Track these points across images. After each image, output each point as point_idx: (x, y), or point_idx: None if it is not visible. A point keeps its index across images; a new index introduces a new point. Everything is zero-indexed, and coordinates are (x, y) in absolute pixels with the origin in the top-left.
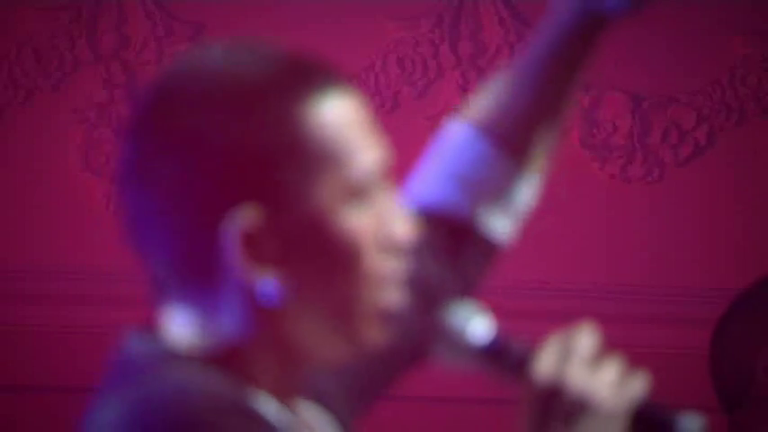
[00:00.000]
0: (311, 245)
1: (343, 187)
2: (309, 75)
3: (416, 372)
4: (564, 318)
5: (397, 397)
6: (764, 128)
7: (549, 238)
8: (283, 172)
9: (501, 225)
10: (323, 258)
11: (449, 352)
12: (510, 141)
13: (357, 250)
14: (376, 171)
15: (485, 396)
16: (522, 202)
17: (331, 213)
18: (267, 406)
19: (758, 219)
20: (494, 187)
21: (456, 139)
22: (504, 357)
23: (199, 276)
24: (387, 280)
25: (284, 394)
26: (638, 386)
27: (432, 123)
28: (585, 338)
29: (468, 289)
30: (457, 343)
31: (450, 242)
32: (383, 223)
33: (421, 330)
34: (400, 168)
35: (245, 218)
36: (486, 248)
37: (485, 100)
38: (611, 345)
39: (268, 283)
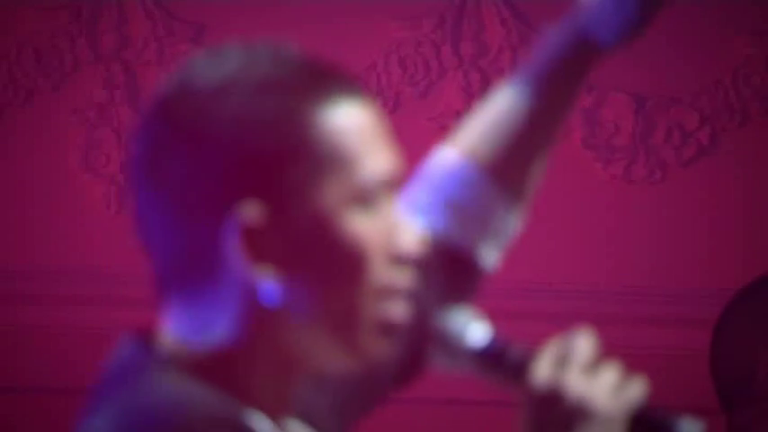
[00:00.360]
0: (314, 246)
1: (350, 192)
2: (324, 79)
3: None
4: (565, 319)
5: (396, 399)
6: None
7: (550, 238)
8: (290, 171)
9: (491, 254)
10: (326, 261)
11: (447, 357)
12: (502, 173)
13: (362, 256)
14: (384, 180)
15: (484, 398)
16: (511, 231)
17: (336, 216)
18: (260, 423)
19: (761, 219)
20: (486, 217)
21: (449, 167)
22: (503, 362)
23: (200, 273)
24: (393, 292)
25: (276, 410)
26: (636, 391)
27: (433, 124)
28: (584, 343)
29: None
30: (455, 347)
31: (443, 270)
32: (391, 234)
33: (409, 349)
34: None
35: (247, 214)
36: (475, 277)
37: (476, 129)
38: (613, 346)
39: (268, 281)
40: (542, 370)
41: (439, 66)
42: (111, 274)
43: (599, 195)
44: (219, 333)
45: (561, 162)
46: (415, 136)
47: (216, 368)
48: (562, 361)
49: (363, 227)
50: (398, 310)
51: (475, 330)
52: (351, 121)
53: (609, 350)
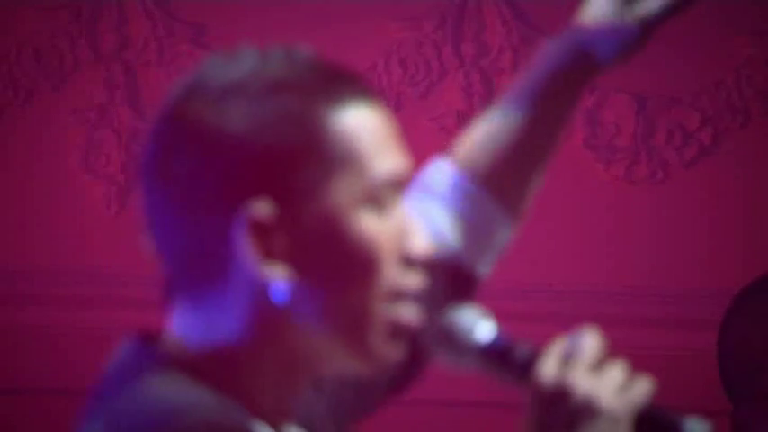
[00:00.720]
0: (325, 246)
1: (360, 192)
2: (335, 80)
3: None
4: (567, 320)
5: (395, 400)
6: None
7: (552, 239)
8: (300, 171)
9: (486, 265)
10: (336, 261)
11: (454, 353)
12: (500, 187)
13: (372, 257)
14: (394, 180)
15: (484, 399)
16: (506, 243)
17: (346, 216)
18: (260, 430)
19: (763, 219)
20: (484, 229)
21: (449, 179)
22: (509, 359)
23: (209, 272)
24: (403, 294)
25: (276, 415)
26: (642, 389)
27: (434, 124)
28: (590, 341)
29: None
30: (462, 344)
31: (441, 278)
32: (402, 236)
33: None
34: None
35: (257, 213)
36: (471, 285)
37: (474, 142)
38: (616, 347)
39: (277, 281)
40: (548, 368)
41: (440, 66)
42: (110, 274)
43: (600, 196)
44: (226, 333)
45: (563, 163)
46: (416, 136)
47: (219, 371)
48: (568, 359)
49: (374, 227)
50: (409, 313)
51: (482, 327)
52: (361, 123)
53: (611, 351)
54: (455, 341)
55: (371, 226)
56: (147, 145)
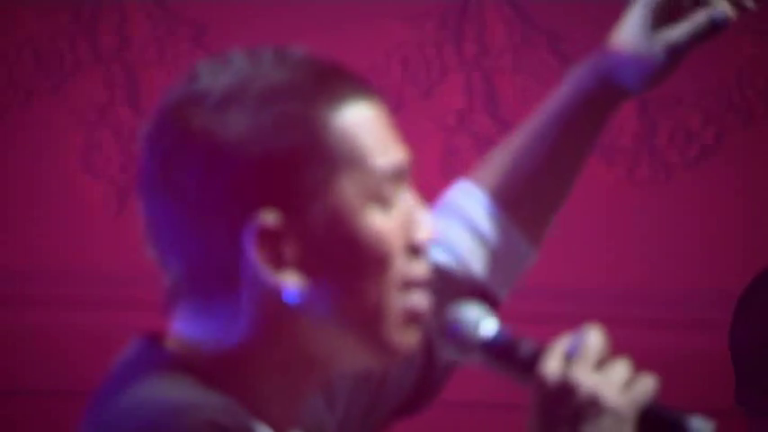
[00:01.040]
0: (335, 246)
1: (365, 189)
2: (331, 79)
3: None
4: (568, 320)
5: None
6: None
7: (554, 240)
8: (303, 173)
9: (504, 289)
10: (348, 260)
11: (459, 348)
12: (522, 214)
13: (383, 252)
14: (396, 175)
15: (487, 400)
16: (525, 269)
17: (354, 214)
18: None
19: (765, 220)
20: (505, 254)
21: (472, 202)
22: (513, 355)
23: (218, 281)
24: (414, 283)
25: (282, 421)
26: (646, 387)
27: (436, 124)
28: (594, 338)
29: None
30: (468, 338)
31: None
32: (407, 227)
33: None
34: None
35: (264, 220)
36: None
37: (498, 168)
38: (617, 347)
39: (290, 286)
40: (552, 364)
41: (441, 66)
42: (110, 274)
43: (602, 196)
44: (234, 338)
45: None
46: (417, 136)
47: (225, 374)
48: (572, 356)
49: (381, 223)
50: (421, 300)
51: (487, 323)
52: (360, 119)
53: (612, 350)
54: (461, 336)
55: (378, 222)
56: (146, 158)
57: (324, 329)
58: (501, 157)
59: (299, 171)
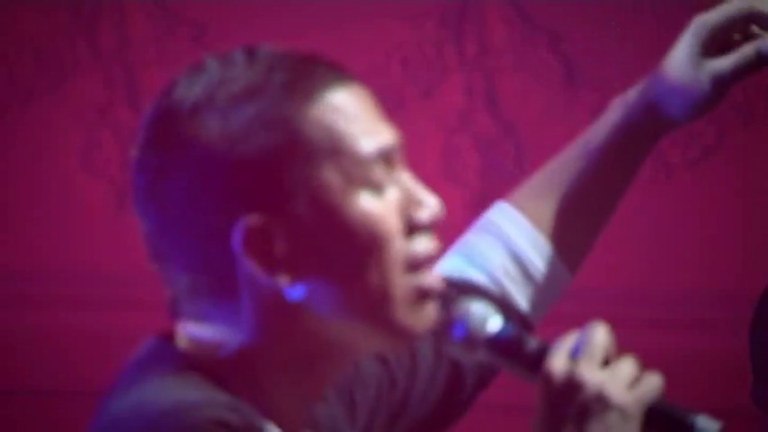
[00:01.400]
0: (327, 237)
1: (349, 176)
2: (304, 71)
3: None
4: (569, 320)
5: None
6: None
7: None
8: (285, 171)
9: (537, 312)
10: (341, 249)
11: (466, 344)
12: (559, 236)
13: (376, 236)
14: (382, 154)
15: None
16: (559, 294)
17: (340, 203)
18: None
19: (766, 220)
20: (541, 277)
21: (511, 224)
22: (520, 352)
23: (219, 289)
24: (420, 262)
25: (292, 422)
26: (653, 385)
27: (436, 124)
28: (601, 336)
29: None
30: (476, 334)
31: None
32: (405, 206)
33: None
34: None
35: (249, 223)
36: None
37: (537, 189)
38: (617, 348)
39: (286, 285)
40: (559, 361)
41: (441, 66)
42: (110, 274)
43: None
44: (241, 340)
45: None
46: (417, 136)
47: (235, 374)
48: (578, 353)
49: (372, 206)
50: (429, 278)
51: (494, 320)
52: (337, 106)
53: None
54: (468, 332)
55: (369, 205)
56: (134, 175)
57: (332, 322)
58: (542, 182)
59: (279, 169)
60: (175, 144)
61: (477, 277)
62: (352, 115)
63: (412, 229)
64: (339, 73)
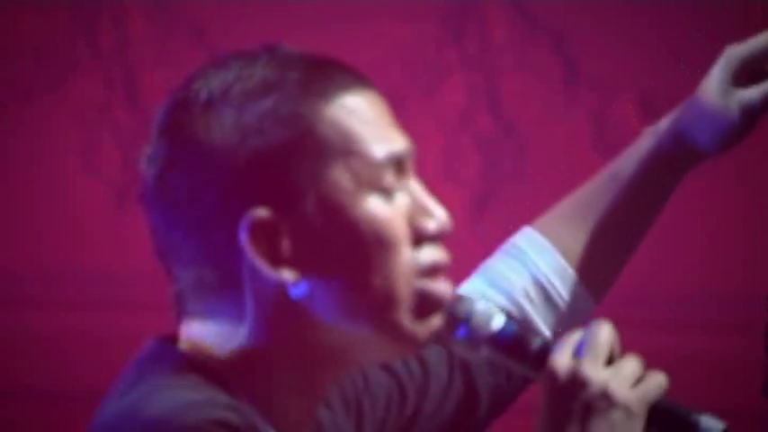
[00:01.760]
0: (333, 238)
1: (360, 178)
2: (322, 72)
3: None
4: None
5: None
6: None
7: None
8: (295, 168)
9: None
10: (348, 250)
11: (470, 341)
12: (584, 265)
13: (384, 240)
14: (395, 163)
15: None
16: (581, 322)
17: (349, 204)
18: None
19: (767, 220)
20: (564, 306)
21: (537, 250)
22: (524, 348)
23: (224, 286)
24: (428, 271)
25: (295, 425)
26: (657, 383)
27: (437, 124)
28: (604, 334)
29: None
30: (480, 331)
31: None
32: (413, 215)
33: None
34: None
35: (256, 218)
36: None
37: (564, 217)
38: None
39: (291, 282)
40: (563, 359)
41: (442, 66)
42: (109, 275)
43: None
44: (245, 340)
45: (569, 164)
46: (418, 135)
47: (236, 375)
48: (582, 351)
49: (381, 211)
50: (435, 287)
51: (498, 318)
52: (351, 109)
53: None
54: (472, 329)
55: (378, 210)
56: (144, 169)
57: (334, 324)
58: (570, 208)
59: (289, 165)
60: (187, 135)
61: (498, 299)
62: (367, 119)
63: (419, 238)
64: (356, 76)
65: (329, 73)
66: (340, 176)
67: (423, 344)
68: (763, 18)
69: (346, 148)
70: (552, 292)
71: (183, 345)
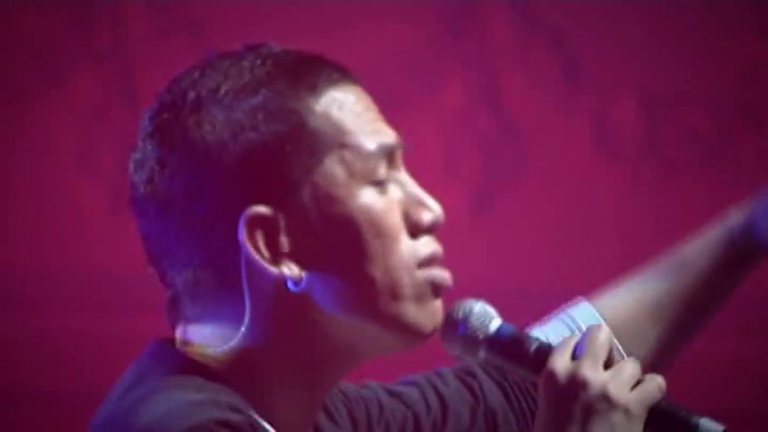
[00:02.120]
0: (330, 230)
1: (353, 170)
2: (310, 67)
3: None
4: None
5: None
6: None
7: (559, 241)
8: (288, 162)
9: None
10: (345, 242)
11: (469, 345)
12: (641, 347)
13: (380, 229)
14: (386, 155)
15: None
16: None
17: (344, 196)
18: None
19: None
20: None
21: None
22: (522, 351)
23: (223, 285)
24: (427, 260)
25: (297, 425)
26: (656, 385)
27: (437, 124)
28: (602, 337)
29: None
30: (479, 335)
31: None
32: (407, 207)
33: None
34: (406, 167)
35: (254, 214)
36: None
37: (623, 302)
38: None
39: (291, 276)
40: (563, 361)
41: (442, 66)
42: (108, 275)
43: (607, 197)
44: (244, 339)
45: (569, 164)
46: (417, 136)
47: (237, 375)
48: (581, 353)
49: (375, 200)
50: (434, 275)
51: (497, 321)
52: (342, 102)
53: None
54: (470, 331)
55: (373, 202)
56: (134, 169)
57: (336, 318)
58: (629, 289)
59: (283, 159)
60: (178, 136)
61: None
62: (357, 112)
63: (415, 230)
64: (342, 71)
65: (316, 68)
66: (334, 169)
67: (427, 335)
68: (762, 20)
69: (339, 141)
70: None
71: (182, 346)
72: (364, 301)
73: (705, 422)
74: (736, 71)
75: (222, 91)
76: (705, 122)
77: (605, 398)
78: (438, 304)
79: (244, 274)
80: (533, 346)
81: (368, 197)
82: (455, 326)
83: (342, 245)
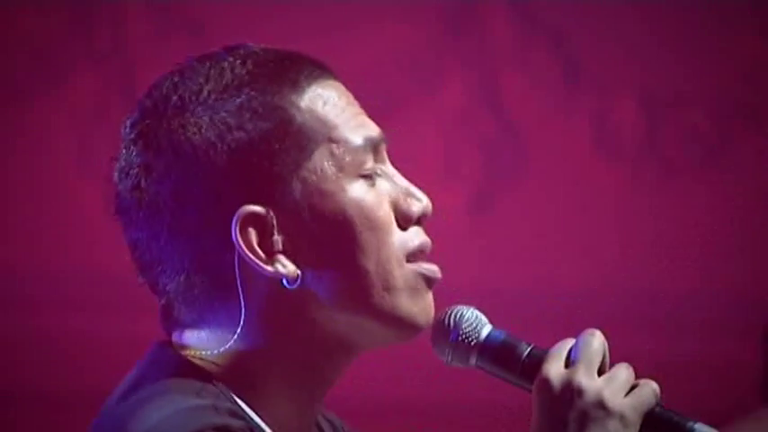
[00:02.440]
0: (322, 225)
1: (341, 164)
2: (291, 64)
3: (419, 378)
4: (573, 321)
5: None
6: None
7: (558, 241)
8: (276, 159)
9: None
10: (338, 236)
11: (462, 352)
12: None
13: (371, 223)
14: (372, 148)
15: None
16: None
17: (334, 190)
18: None
19: None
20: None
21: None
22: (515, 357)
23: (217, 287)
24: (417, 254)
25: (295, 427)
26: (650, 391)
27: (437, 124)
28: (596, 342)
29: None
30: (471, 342)
31: None
32: (396, 200)
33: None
34: (406, 167)
35: (245, 213)
36: None
37: None
38: (621, 348)
39: (285, 274)
40: (556, 367)
41: (442, 66)
42: (108, 276)
43: (607, 197)
44: (240, 341)
45: (569, 164)
46: (418, 136)
47: (235, 377)
48: (576, 359)
49: (366, 195)
50: (428, 266)
51: (488, 327)
52: (326, 98)
53: (626, 354)
54: (462, 337)
55: (363, 195)
56: (119, 177)
57: (332, 313)
58: None
59: (272, 157)
60: (163, 139)
61: None
62: (341, 106)
63: (404, 221)
64: (322, 67)
65: (297, 65)
66: (323, 164)
67: (420, 328)
68: (762, 20)
69: (327, 136)
70: None
71: (182, 349)
72: (359, 295)
73: (700, 427)
74: (736, 71)
75: (205, 92)
76: (705, 122)
77: (601, 405)
78: (430, 297)
79: (238, 274)
80: (525, 352)
81: (358, 190)
82: (446, 332)
83: (335, 239)
